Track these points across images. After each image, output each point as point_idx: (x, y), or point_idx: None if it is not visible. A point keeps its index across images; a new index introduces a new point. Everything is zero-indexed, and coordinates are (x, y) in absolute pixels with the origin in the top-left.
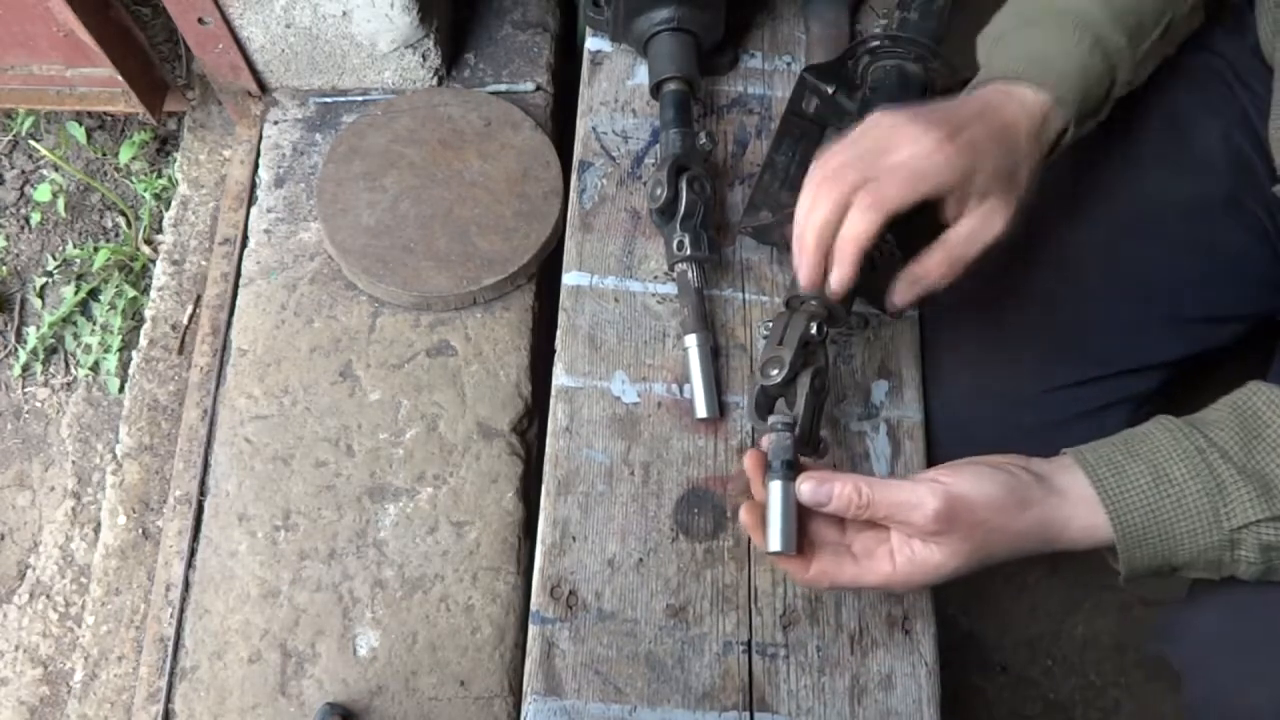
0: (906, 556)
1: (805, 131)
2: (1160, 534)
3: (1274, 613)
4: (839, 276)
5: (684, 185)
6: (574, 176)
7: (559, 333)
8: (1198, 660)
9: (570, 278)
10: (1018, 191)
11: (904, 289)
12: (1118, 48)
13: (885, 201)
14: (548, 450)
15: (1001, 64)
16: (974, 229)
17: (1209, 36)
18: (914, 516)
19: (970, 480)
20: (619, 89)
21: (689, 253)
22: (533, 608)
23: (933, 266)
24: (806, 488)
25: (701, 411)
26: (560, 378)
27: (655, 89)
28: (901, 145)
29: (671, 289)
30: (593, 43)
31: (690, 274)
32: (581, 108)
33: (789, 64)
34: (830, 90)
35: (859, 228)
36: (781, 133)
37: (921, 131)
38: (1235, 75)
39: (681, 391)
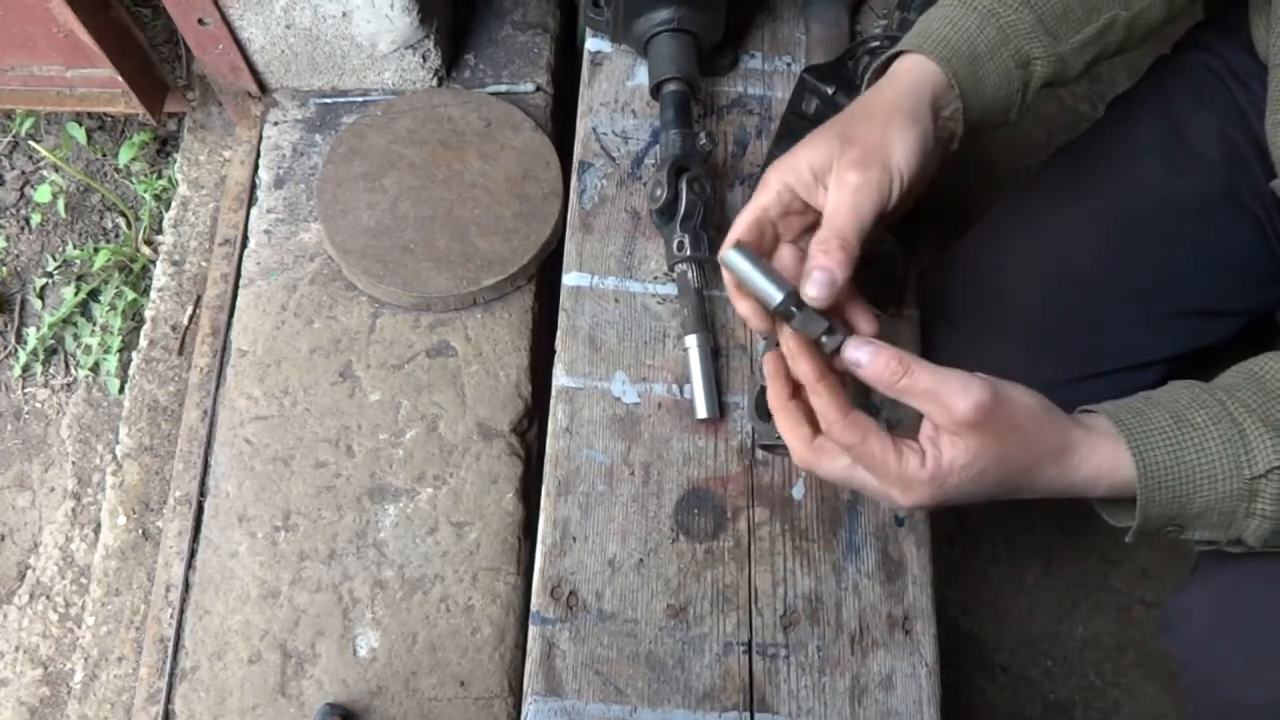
0: (934, 456)
1: (806, 132)
2: (1181, 475)
3: (1272, 599)
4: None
5: (684, 186)
6: (574, 177)
7: (559, 333)
8: (1195, 647)
9: (570, 278)
10: (852, 150)
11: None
12: (1024, 26)
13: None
14: (548, 450)
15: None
16: (831, 203)
17: (1204, 35)
18: (956, 401)
19: (1011, 386)
20: (619, 90)
21: (689, 253)
22: (533, 608)
23: (816, 249)
24: (850, 343)
25: (702, 412)
26: (560, 378)
27: (655, 89)
28: None
29: (671, 289)
30: (593, 43)
31: (690, 274)
32: (581, 108)
33: (789, 64)
34: (830, 91)
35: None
36: (781, 134)
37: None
38: (1230, 73)
39: (682, 392)
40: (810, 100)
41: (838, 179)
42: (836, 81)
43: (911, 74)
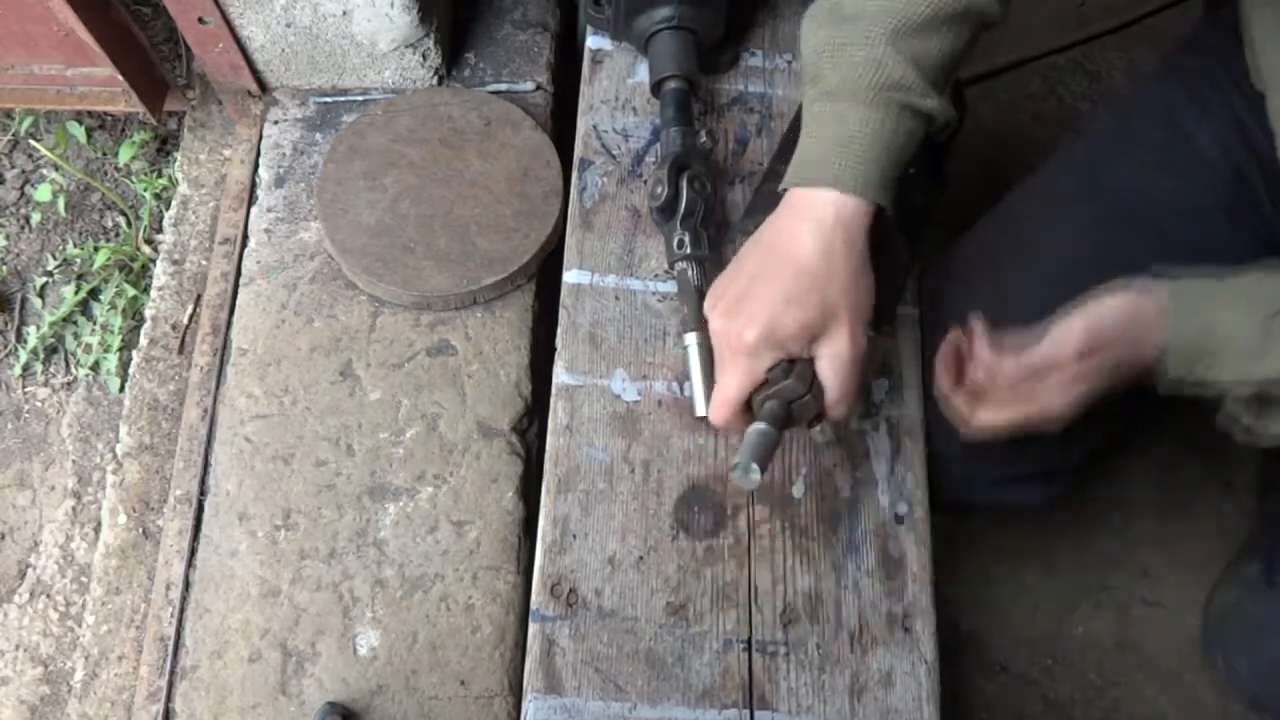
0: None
1: None
2: (1206, 287)
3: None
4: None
5: (684, 184)
6: (574, 175)
7: (559, 331)
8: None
9: (571, 276)
10: (816, 311)
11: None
12: (933, 107)
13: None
14: (548, 448)
15: (797, 166)
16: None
17: (1203, 37)
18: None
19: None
20: (619, 87)
21: (689, 251)
22: (533, 605)
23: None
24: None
25: (701, 410)
26: (561, 375)
27: (656, 87)
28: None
29: (672, 287)
30: (593, 41)
31: (690, 272)
32: (582, 106)
33: (789, 62)
34: None
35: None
36: (781, 152)
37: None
38: (1227, 75)
39: (682, 390)
40: None
41: (833, 364)
42: None
43: (852, 215)
